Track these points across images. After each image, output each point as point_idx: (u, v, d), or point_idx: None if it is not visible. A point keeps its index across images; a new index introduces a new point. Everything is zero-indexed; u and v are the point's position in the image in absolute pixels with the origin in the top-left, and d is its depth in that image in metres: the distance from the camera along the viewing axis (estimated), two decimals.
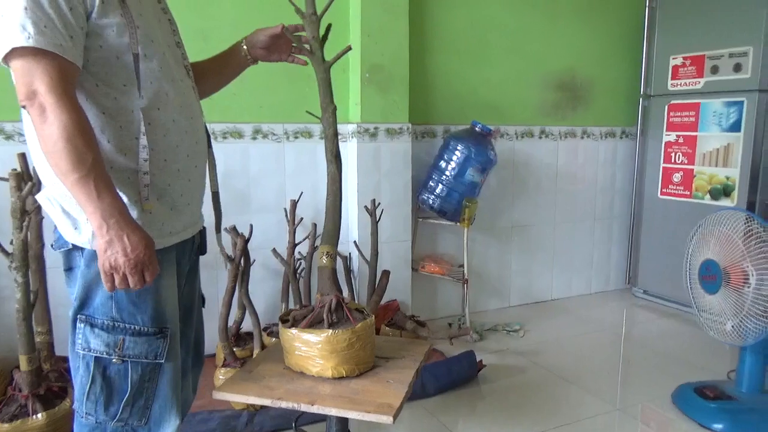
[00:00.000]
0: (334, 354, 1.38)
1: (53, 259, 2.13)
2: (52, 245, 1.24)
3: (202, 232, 1.41)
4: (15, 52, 1.01)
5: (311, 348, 1.38)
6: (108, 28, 1.10)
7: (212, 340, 2.56)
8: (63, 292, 2.30)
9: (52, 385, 1.96)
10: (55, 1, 1.02)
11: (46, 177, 1.15)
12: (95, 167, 1.05)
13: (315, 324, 1.43)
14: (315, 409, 1.29)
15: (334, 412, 1.29)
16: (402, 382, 1.40)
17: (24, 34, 0.99)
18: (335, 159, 1.52)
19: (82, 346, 1.17)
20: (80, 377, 1.20)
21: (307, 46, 1.51)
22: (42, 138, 1.04)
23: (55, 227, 1.19)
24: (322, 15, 1.49)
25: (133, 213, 1.13)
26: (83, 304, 1.17)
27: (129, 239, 1.08)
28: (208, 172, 1.40)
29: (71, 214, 1.15)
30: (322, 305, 1.45)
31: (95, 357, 1.17)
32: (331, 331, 1.37)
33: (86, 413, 1.20)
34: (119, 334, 1.17)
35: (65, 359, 2.20)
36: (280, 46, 1.52)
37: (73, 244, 1.17)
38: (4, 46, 1.01)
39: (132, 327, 1.18)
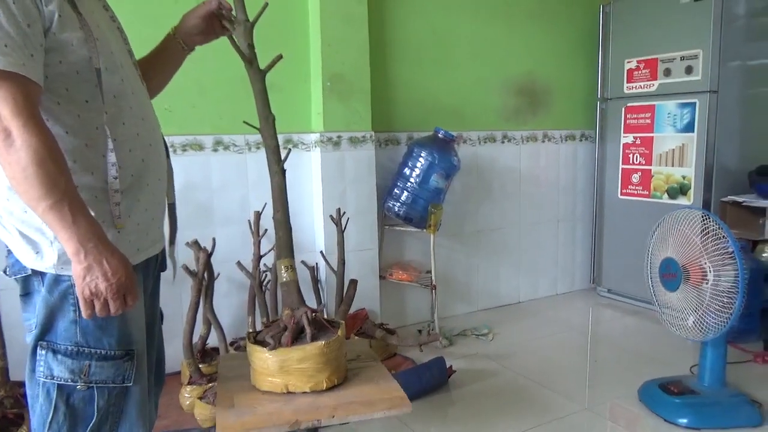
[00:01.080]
0: (327, 365, 1.37)
1: (5, 282, 2.05)
2: (5, 271, 1.17)
3: (163, 250, 1.38)
4: None
5: (305, 363, 1.35)
6: (68, 43, 1.05)
7: (176, 357, 2.50)
8: (17, 316, 2.21)
9: (7, 412, 1.88)
10: (13, 17, 0.97)
11: None
12: (68, 191, 1.01)
13: (295, 340, 1.39)
14: (336, 420, 1.28)
15: (357, 418, 1.29)
16: (385, 377, 1.42)
17: None
18: (281, 171, 1.49)
19: (43, 374, 1.12)
20: (40, 406, 1.14)
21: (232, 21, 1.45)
22: (8, 164, 0.98)
23: (9, 252, 1.13)
24: (255, 22, 1.45)
25: (108, 234, 1.09)
26: (45, 330, 1.12)
27: (109, 263, 1.04)
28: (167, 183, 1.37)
29: (31, 238, 1.10)
30: (295, 320, 1.42)
31: (58, 384, 1.12)
32: (323, 342, 1.35)
33: None
34: (84, 360, 1.12)
35: (21, 384, 2.12)
36: (212, 24, 1.46)
37: (32, 269, 1.11)
38: None
39: (98, 351, 1.13)
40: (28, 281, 1.14)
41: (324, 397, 1.36)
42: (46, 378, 1.12)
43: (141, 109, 1.21)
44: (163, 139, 1.34)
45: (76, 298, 1.09)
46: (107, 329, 1.14)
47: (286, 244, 1.47)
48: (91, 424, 1.15)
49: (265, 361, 1.36)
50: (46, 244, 1.09)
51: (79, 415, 1.14)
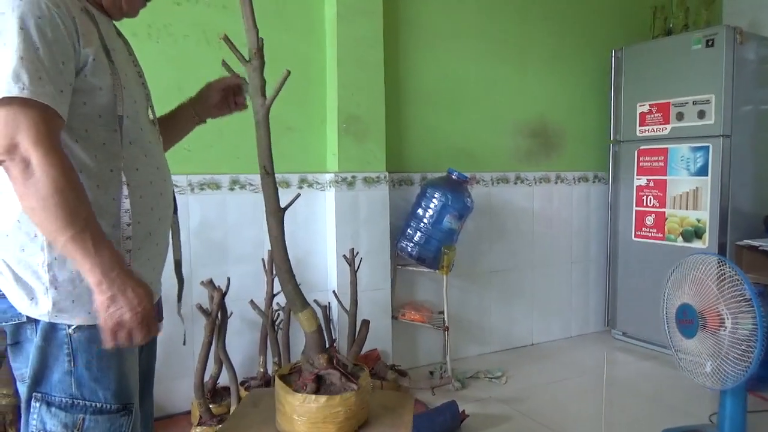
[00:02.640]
0: (352, 412, 1.35)
1: None
2: None
3: (159, 300, 1.35)
4: (1, 102, 0.96)
5: (334, 411, 1.33)
6: (96, 87, 1.08)
7: (186, 397, 2.49)
8: None
9: None
10: (50, 53, 0.99)
11: None
12: (90, 221, 1.00)
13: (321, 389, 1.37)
14: None
15: None
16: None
17: (18, 84, 0.95)
18: (277, 211, 1.43)
19: (36, 428, 1.08)
20: None
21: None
22: (26, 195, 0.98)
23: (1, 296, 1.09)
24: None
25: None
26: (38, 380, 1.08)
27: (134, 292, 1.03)
28: (171, 238, 1.36)
29: (26, 282, 1.07)
30: (325, 370, 1.38)
31: None
32: (352, 392, 1.35)
33: None
34: (79, 413, 1.09)
35: None
36: (229, 98, 1.49)
37: (27, 317, 1.08)
38: None
39: (93, 405, 1.10)
40: (20, 329, 1.10)
41: None
42: None
43: (156, 158, 1.23)
44: (174, 194, 1.34)
45: (72, 347, 1.07)
46: (103, 381, 1.11)
47: (298, 296, 1.42)
48: None
49: (303, 406, 1.33)
50: (41, 290, 1.07)
51: None
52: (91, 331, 1.08)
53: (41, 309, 1.07)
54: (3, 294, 1.08)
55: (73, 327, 1.08)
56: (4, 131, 0.96)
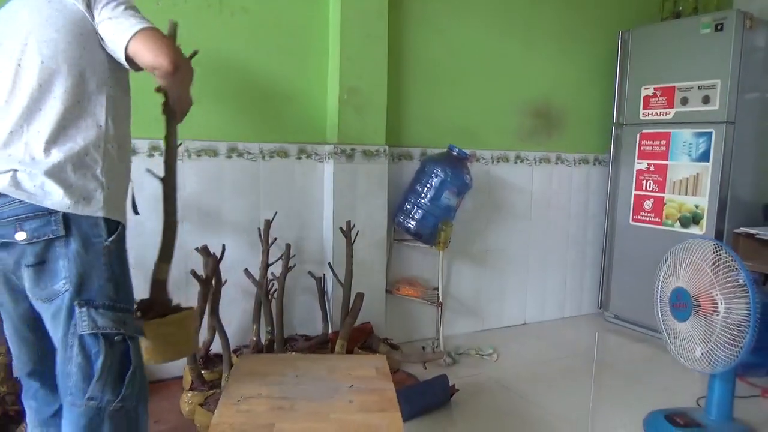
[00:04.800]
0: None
1: None
2: (19, 240, 1.23)
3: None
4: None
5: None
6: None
7: (179, 362, 2.49)
8: None
9: (8, 409, 1.88)
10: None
11: (57, 144, 1.25)
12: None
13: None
14: None
15: None
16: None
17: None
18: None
19: (88, 326, 1.23)
20: (79, 363, 1.25)
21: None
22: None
23: (26, 219, 1.21)
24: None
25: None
26: (80, 289, 1.25)
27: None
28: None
29: (86, 185, 1.26)
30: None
31: (103, 334, 1.26)
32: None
33: (89, 398, 1.25)
34: (119, 313, 1.29)
35: None
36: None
37: (63, 228, 1.23)
38: None
39: (126, 307, 1.32)
40: (49, 247, 1.24)
41: None
42: (91, 330, 1.24)
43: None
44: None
45: (112, 255, 1.28)
46: (128, 288, 1.35)
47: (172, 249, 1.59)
48: (129, 373, 1.30)
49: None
50: (98, 191, 1.28)
51: (122, 365, 1.30)
52: (120, 234, 1.32)
53: (93, 207, 1.27)
54: (35, 215, 1.23)
55: (110, 240, 1.29)
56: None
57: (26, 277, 1.25)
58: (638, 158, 3.58)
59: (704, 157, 3.22)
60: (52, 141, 1.25)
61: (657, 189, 3.47)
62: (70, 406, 1.27)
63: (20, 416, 1.88)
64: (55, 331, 1.27)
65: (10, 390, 1.98)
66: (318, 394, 1.69)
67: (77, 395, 1.26)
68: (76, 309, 1.23)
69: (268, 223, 2.64)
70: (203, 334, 2.46)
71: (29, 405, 1.47)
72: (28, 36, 1.27)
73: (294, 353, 2.51)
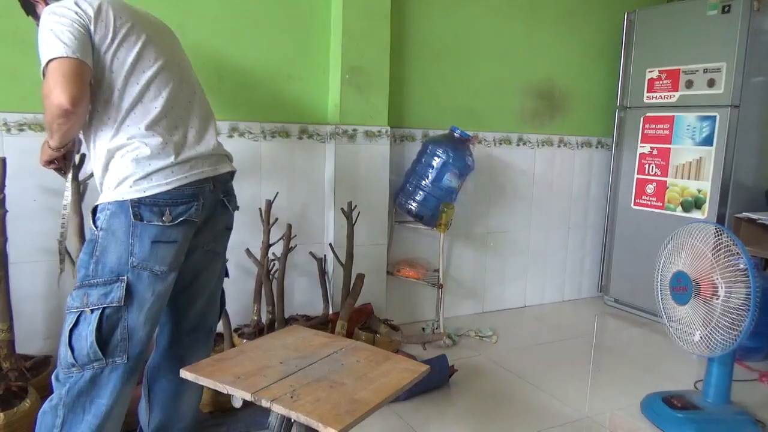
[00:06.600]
0: None
1: (17, 255, 2.06)
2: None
3: None
4: None
5: None
6: None
7: None
8: (26, 288, 2.23)
9: (11, 384, 1.89)
10: None
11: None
12: None
13: None
14: None
15: None
16: None
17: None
18: None
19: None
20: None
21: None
22: None
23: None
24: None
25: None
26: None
27: None
28: None
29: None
30: None
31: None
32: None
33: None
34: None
35: (26, 358, 2.14)
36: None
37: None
38: None
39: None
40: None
41: None
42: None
43: None
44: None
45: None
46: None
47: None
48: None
49: None
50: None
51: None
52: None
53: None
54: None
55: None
56: None
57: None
58: (641, 142, 3.56)
59: (708, 141, 3.20)
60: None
61: (660, 173, 3.46)
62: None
63: (24, 392, 1.90)
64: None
65: (13, 366, 1.99)
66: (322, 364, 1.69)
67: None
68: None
69: (269, 203, 2.64)
70: None
71: None
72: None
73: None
